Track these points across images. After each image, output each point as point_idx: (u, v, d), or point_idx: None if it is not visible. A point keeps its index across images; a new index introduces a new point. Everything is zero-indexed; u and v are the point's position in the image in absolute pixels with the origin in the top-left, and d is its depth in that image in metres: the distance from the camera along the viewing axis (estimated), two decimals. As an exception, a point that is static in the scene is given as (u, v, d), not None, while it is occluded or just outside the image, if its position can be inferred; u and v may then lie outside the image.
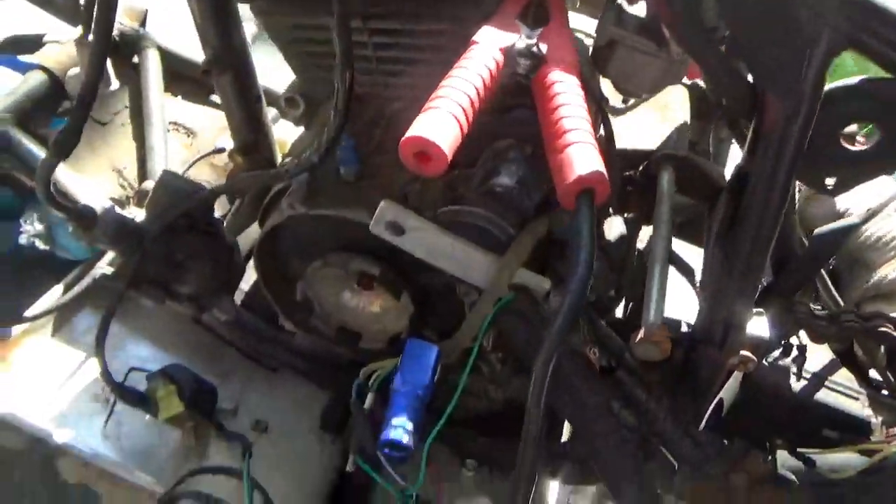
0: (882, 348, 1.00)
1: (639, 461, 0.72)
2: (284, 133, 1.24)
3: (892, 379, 0.99)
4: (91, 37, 1.04)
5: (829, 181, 0.67)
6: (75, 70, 1.11)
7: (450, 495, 1.09)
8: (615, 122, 0.85)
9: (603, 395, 0.72)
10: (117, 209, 0.80)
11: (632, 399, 0.76)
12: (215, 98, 1.37)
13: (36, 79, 1.14)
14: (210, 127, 1.31)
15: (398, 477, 0.77)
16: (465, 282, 0.76)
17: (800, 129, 0.58)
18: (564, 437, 1.13)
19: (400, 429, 0.66)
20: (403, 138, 0.57)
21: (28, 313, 1.02)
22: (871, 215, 0.84)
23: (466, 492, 1.12)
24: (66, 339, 1.09)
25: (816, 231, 0.76)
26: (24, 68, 1.23)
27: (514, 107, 0.73)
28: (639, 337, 0.65)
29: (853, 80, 0.59)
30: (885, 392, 0.99)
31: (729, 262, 0.68)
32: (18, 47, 1.22)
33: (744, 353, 0.68)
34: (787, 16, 0.53)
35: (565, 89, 0.63)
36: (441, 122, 0.58)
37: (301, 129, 1.31)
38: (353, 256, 0.82)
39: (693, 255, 1.07)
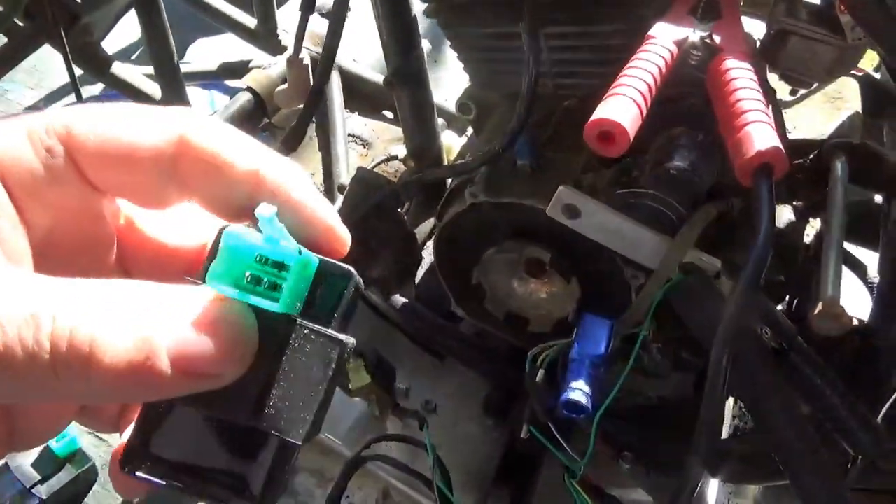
0: None
1: (816, 442, 0.73)
2: (449, 141, 1.36)
3: None
4: (300, 56, 1.21)
5: None
6: (282, 87, 1.29)
7: (607, 485, 1.12)
8: (784, 113, 0.87)
9: (777, 375, 0.74)
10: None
11: (805, 383, 0.77)
12: (386, 113, 1.52)
13: (244, 98, 1.33)
14: (381, 138, 1.45)
15: (569, 449, 0.83)
16: (635, 264, 0.81)
17: None
18: (724, 434, 1.13)
19: (578, 391, 0.72)
20: (590, 120, 0.63)
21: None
22: None
23: (623, 483, 1.15)
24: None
25: None
26: (231, 92, 1.44)
27: (684, 97, 0.77)
28: (817, 310, 0.67)
29: None
30: None
31: (911, 245, 0.69)
32: (228, 73, 1.43)
33: (930, 334, 0.67)
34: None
35: (741, 75, 0.67)
36: (624, 105, 0.64)
37: (462, 139, 1.42)
38: (527, 243, 0.89)
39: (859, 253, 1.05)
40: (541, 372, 0.87)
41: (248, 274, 0.26)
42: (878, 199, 0.89)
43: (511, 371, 1.17)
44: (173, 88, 1.30)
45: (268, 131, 1.40)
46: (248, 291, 0.26)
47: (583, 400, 0.71)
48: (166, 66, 1.32)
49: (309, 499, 1.03)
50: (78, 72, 1.27)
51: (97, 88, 1.68)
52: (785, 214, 0.85)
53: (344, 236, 0.32)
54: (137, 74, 1.38)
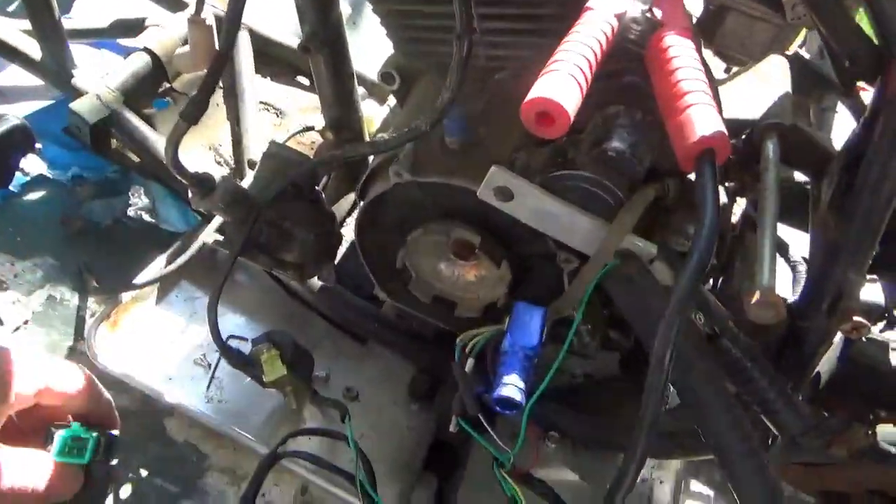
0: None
1: (747, 428, 0.72)
2: (370, 112, 1.28)
3: None
4: (203, 15, 1.09)
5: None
6: (183, 49, 1.17)
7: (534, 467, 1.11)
8: (721, 90, 0.85)
9: (710, 361, 0.72)
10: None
11: (736, 367, 0.76)
12: (301, 79, 1.42)
13: (140, 60, 1.20)
14: (297, 106, 1.35)
15: (499, 440, 0.80)
16: (569, 248, 0.77)
17: (928, 91, 0.58)
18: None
19: (512, 386, 0.68)
20: (527, 99, 0.58)
21: (136, 281, 1.08)
22: None
23: (549, 463, 1.14)
24: (168, 307, 1.15)
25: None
26: (125, 52, 1.29)
27: (623, 73, 0.73)
28: (754, 299, 0.66)
29: None
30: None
31: (842, 232, 0.68)
32: (121, 31, 1.29)
33: (857, 318, 0.67)
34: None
35: (683, 52, 0.64)
36: (564, 83, 0.59)
37: (384, 110, 1.35)
38: (455, 225, 0.84)
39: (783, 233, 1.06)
40: (469, 361, 0.82)
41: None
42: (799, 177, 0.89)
43: (437, 353, 1.13)
44: (55, 48, 1.13)
45: (169, 97, 1.27)
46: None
47: (517, 396, 0.67)
48: (46, 21, 1.15)
49: (221, 499, 0.96)
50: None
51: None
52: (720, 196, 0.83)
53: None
54: (13, 30, 1.21)
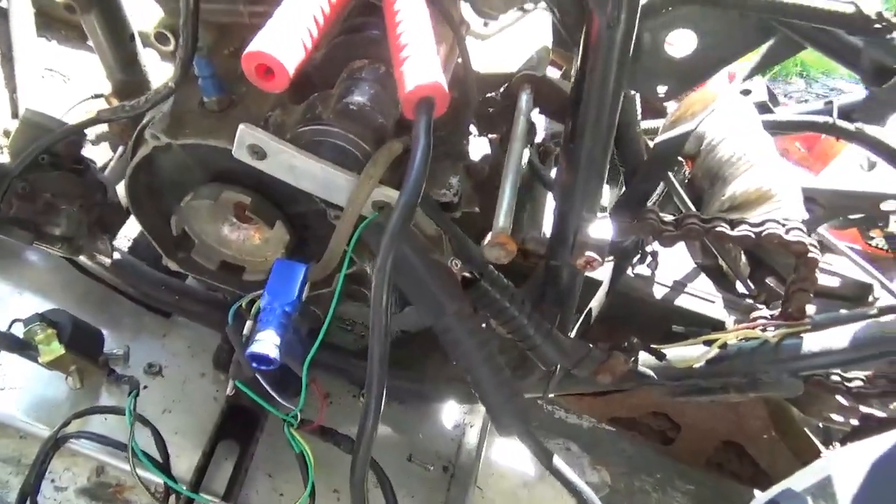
0: (744, 259, 1.09)
1: (499, 365, 0.77)
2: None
3: (752, 286, 1.08)
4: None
5: (661, 89, 0.72)
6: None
7: (347, 425, 1.13)
8: (483, 45, 0.88)
9: (461, 302, 0.76)
10: (-27, 147, 0.78)
11: (495, 308, 0.81)
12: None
13: None
14: (88, 73, 1.27)
15: (279, 398, 0.81)
16: (334, 204, 0.78)
17: (622, 38, 0.62)
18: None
19: (265, 342, 0.69)
20: (245, 52, 0.58)
21: None
22: (702, 120, 0.89)
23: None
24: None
25: (657, 138, 0.82)
26: None
27: (365, 27, 0.74)
28: (487, 240, 0.70)
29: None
30: (748, 299, 1.08)
31: (572, 170, 0.73)
32: None
33: (588, 253, 0.73)
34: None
35: (407, 5, 0.65)
36: (282, 35, 0.59)
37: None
38: (223, 187, 0.82)
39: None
40: (249, 323, 0.82)
41: None
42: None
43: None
44: None
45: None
46: None
47: (271, 353, 0.68)
48: None
49: (3, 490, 0.91)
50: None
51: None
52: (480, 147, 0.87)
53: None
54: None
